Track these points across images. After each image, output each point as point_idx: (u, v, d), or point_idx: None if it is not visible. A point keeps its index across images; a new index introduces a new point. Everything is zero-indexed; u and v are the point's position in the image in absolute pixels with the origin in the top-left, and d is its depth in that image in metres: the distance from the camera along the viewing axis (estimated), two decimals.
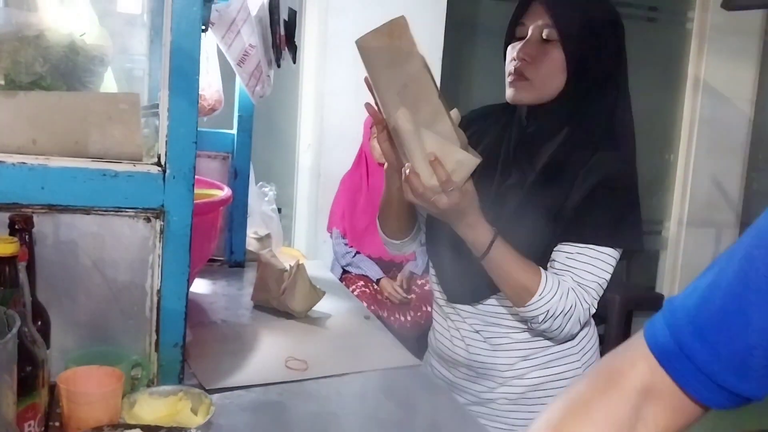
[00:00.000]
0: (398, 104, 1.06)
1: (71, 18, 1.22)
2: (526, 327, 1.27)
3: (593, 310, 1.21)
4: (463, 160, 1.07)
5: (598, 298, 1.20)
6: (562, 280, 1.18)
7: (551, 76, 1.22)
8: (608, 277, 1.21)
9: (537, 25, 1.22)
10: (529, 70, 1.22)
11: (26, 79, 1.12)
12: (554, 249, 1.22)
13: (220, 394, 1.15)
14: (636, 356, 0.65)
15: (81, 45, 1.17)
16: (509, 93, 1.26)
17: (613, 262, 1.21)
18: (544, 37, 1.21)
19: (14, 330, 0.64)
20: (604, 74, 1.23)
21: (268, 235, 2.13)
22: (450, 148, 1.07)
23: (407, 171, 1.10)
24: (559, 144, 1.24)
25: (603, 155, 1.21)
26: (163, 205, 1.05)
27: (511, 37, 1.28)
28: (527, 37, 1.23)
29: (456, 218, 1.14)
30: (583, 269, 1.19)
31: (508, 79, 1.26)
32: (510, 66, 1.25)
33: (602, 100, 1.24)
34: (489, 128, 1.35)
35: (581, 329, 1.26)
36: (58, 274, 1.04)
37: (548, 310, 1.17)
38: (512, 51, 1.25)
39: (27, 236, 0.93)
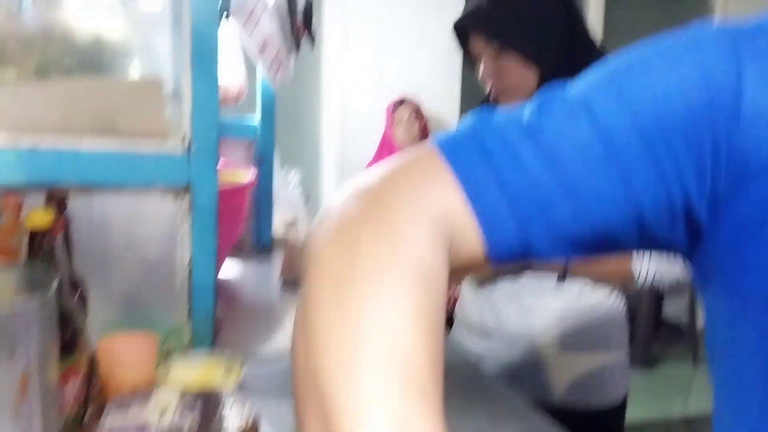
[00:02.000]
0: None
1: (96, 15, 1.27)
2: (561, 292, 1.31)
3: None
4: None
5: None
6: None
7: (522, 77, 1.24)
8: None
9: (481, 47, 1.25)
10: (499, 84, 1.26)
11: (55, 75, 1.18)
12: None
13: (252, 361, 1.19)
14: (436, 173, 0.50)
15: (106, 40, 1.23)
16: (501, 104, 1.30)
17: None
18: (495, 51, 1.24)
19: (54, 284, 0.68)
20: (564, 34, 1.22)
21: (295, 220, 2.18)
22: None
23: None
24: None
25: None
26: (189, 182, 1.10)
27: (468, 54, 1.32)
28: (481, 58, 1.27)
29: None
30: None
31: (491, 95, 1.30)
32: (485, 85, 1.30)
33: (576, 53, 1.23)
34: None
35: None
36: (92, 252, 1.09)
37: (655, 272, 1.21)
38: (478, 70, 1.30)
39: (62, 211, 0.98)
